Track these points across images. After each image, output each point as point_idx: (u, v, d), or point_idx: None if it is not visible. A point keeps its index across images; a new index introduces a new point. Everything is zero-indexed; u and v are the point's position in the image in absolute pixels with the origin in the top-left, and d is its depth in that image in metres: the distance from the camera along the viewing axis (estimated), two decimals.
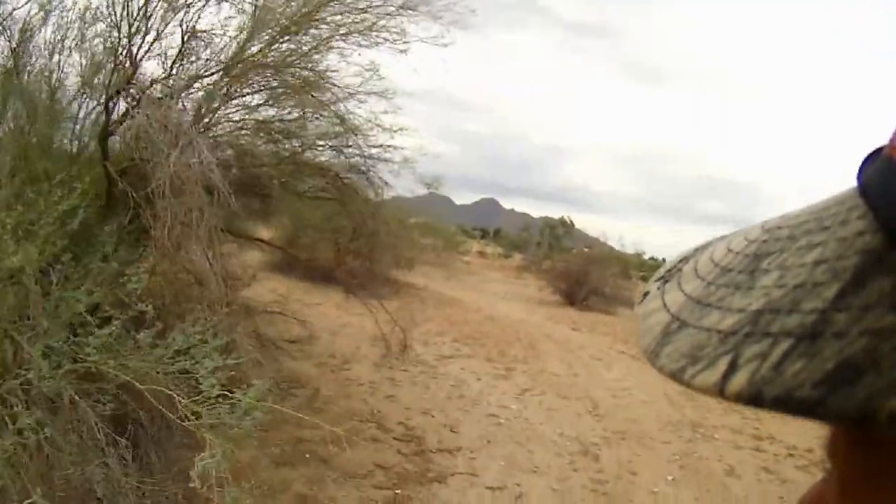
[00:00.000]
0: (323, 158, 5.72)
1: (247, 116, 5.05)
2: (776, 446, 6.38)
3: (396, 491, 4.27)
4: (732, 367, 0.24)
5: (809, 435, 6.24)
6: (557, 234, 25.99)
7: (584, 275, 17.47)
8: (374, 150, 5.63)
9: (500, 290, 19.23)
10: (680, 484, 5.17)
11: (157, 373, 2.88)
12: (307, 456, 4.41)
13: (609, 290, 17.98)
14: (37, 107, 3.91)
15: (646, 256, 24.42)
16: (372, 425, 5.42)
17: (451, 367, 8.17)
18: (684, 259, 0.37)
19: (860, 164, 0.29)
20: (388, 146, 5.66)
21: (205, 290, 3.77)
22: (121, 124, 3.94)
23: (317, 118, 5.18)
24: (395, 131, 5.59)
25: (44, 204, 3.01)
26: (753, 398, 0.23)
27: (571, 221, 27.60)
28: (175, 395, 2.79)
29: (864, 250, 0.25)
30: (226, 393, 2.82)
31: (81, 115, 4.21)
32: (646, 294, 0.37)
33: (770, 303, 0.26)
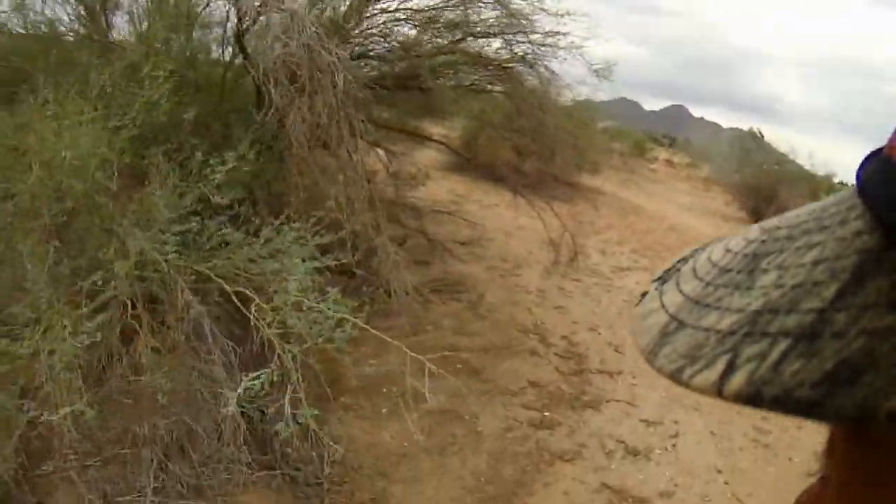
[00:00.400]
0: (487, 49, 5.28)
1: (402, 5, 4.71)
2: None
3: (545, 413, 4.06)
4: (731, 368, 0.24)
5: None
6: (747, 147, 24.09)
7: (772, 193, 16.50)
8: (538, 37, 5.15)
9: (685, 200, 18.28)
10: None
11: (240, 272, 2.75)
12: (458, 366, 4.26)
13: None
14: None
15: (836, 179, 22.13)
16: (535, 338, 5.19)
17: (628, 281, 7.67)
18: (683, 259, 0.37)
19: (859, 163, 0.28)
20: (555, 32, 5.11)
21: (338, 186, 3.61)
22: (253, 24, 3.79)
23: (479, 4, 4.73)
24: (561, 16, 5.01)
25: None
26: (752, 398, 0.23)
27: (762, 134, 25.35)
28: (255, 299, 2.66)
29: (862, 250, 0.25)
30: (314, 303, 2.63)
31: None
32: (644, 294, 0.36)
33: (769, 303, 0.26)
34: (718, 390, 0.24)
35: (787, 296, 0.25)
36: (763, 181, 17.30)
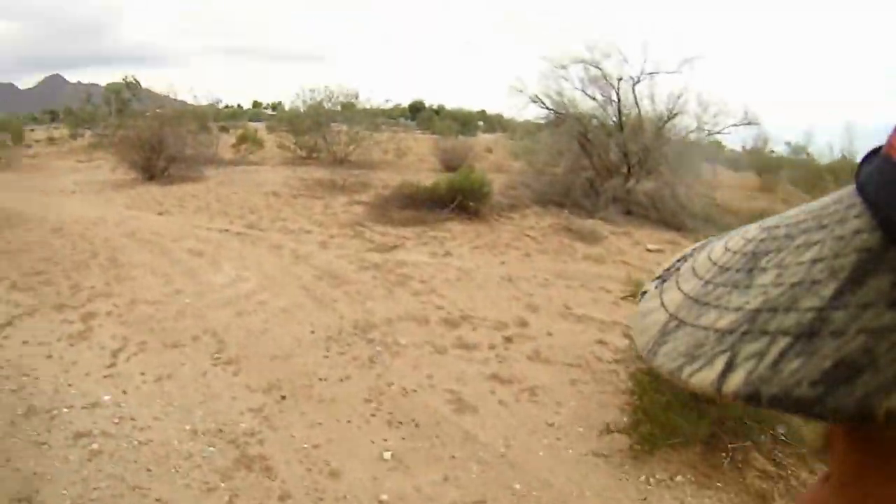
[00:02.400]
0: None
1: None
2: None
3: None
4: (730, 366, 0.24)
5: None
6: (123, 98, 22.35)
7: (158, 141, 15.03)
8: None
9: (69, 181, 15.35)
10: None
11: None
12: None
13: (191, 152, 16.05)
14: None
15: (222, 105, 23.03)
16: None
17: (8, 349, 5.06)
18: (682, 258, 0.37)
19: (859, 163, 0.28)
20: None
21: None
22: None
23: None
24: None
25: None
26: (751, 397, 0.23)
27: (137, 81, 23.85)
28: None
29: (861, 249, 0.25)
30: None
31: None
32: (644, 293, 0.36)
33: (768, 301, 0.26)
34: (717, 389, 0.24)
35: (785, 294, 0.25)
36: (144, 131, 15.49)
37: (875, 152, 0.28)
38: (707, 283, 0.31)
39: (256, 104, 72.06)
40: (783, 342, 0.23)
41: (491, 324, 5.64)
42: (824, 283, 0.24)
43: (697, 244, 0.38)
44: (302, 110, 19.78)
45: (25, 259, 7.83)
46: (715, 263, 0.32)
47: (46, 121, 50.91)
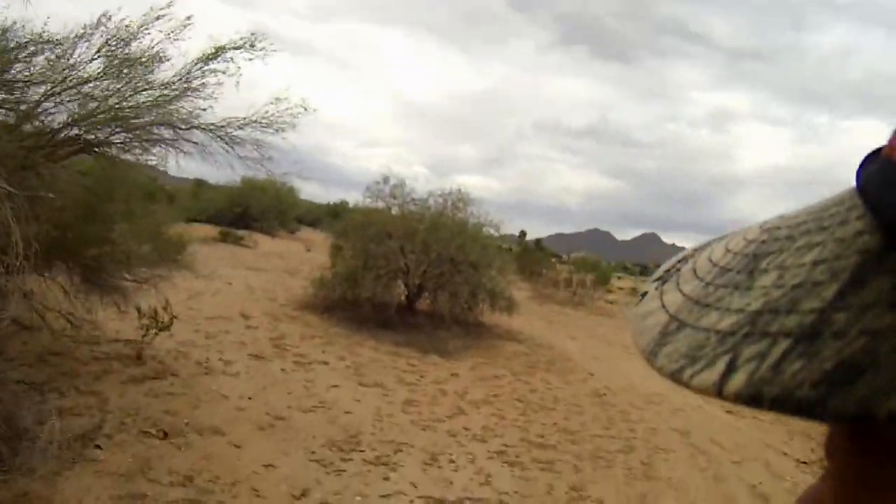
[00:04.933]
0: None
1: None
2: None
3: None
4: (731, 367, 0.24)
5: None
6: None
7: None
8: None
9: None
10: None
11: None
12: None
13: None
14: None
15: None
16: None
17: None
18: (683, 259, 0.37)
19: (859, 164, 0.28)
20: None
21: None
22: None
23: None
24: None
25: None
26: (752, 398, 0.23)
27: None
28: None
29: (862, 250, 0.25)
30: None
31: None
32: (644, 294, 0.36)
33: (769, 303, 0.26)
34: (719, 390, 0.24)
35: (787, 296, 0.25)
36: None
37: (876, 153, 0.27)
38: (708, 284, 0.30)
39: None
40: (784, 344, 0.23)
41: None
42: (825, 284, 0.24)
43: (698, 245, 0.38)
44: None
45: (544, 417, 6.22)
46: (716, 265, 0.32)
47: (636, 272, 54.18)
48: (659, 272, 0.38)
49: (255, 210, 23.43)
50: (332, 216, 23.45)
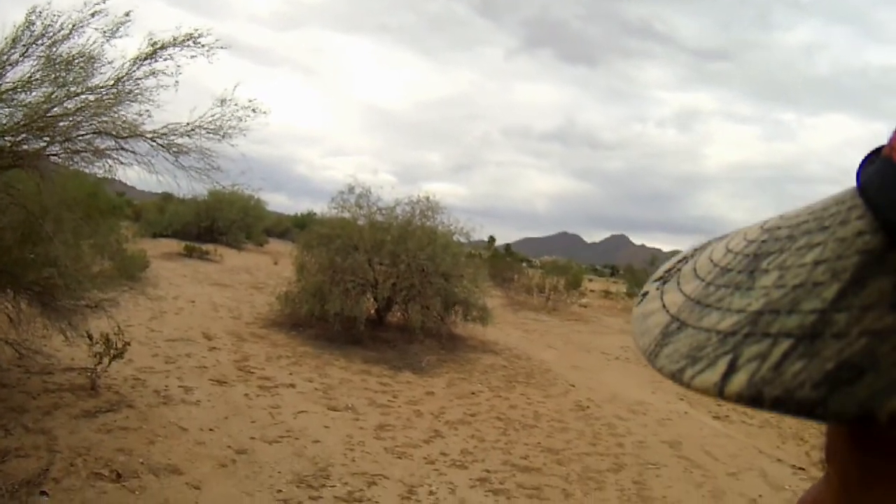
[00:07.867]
0: None
1: None
2: None
3: None
4: (732, 368, 0.24)
5: None
6: None
7: None
8: None
9: (615, 344, 13.06)
10: None
11: None
12: None
13: None
14: None
15: None
16: None
17: None
18: (683, 259, 0.36)
19: (860, 164, 0.28)
20: None
21: None
22: None
23: None
24: None
25: None
26: (753, 398, 0.22)
27: None
28: None
29: (863, 250, 0.24)
30: None
31: None
32: (644, 294, 0.36)
33: (770, 303, 0.25)
34: (720, 391, 0.23)
35: (788, 296, 0.25)
36: None
37: (876, 153, 0.27)
38: (708, 284, 0.30)
39: None
40: (785, 344, 0.23)
41: None
42: (826, 284, 0.24)
43: (698, 245, 0.37)
44: None
45: (527, 436, 5.78)
46: (716, 265, 0.31)
47: (606, 274, 54.27)
48: (660, 272, 0.37)
49: (222, 223, 22.96)
50: (300, 227, 22.98)
